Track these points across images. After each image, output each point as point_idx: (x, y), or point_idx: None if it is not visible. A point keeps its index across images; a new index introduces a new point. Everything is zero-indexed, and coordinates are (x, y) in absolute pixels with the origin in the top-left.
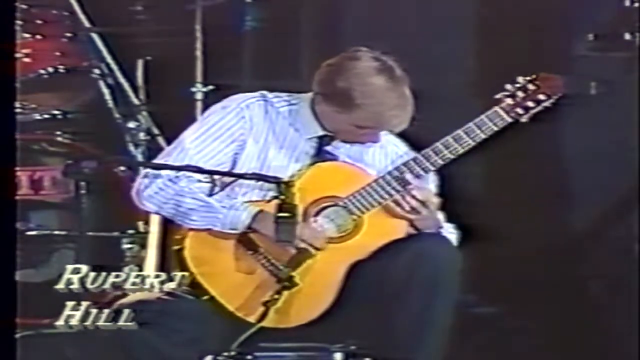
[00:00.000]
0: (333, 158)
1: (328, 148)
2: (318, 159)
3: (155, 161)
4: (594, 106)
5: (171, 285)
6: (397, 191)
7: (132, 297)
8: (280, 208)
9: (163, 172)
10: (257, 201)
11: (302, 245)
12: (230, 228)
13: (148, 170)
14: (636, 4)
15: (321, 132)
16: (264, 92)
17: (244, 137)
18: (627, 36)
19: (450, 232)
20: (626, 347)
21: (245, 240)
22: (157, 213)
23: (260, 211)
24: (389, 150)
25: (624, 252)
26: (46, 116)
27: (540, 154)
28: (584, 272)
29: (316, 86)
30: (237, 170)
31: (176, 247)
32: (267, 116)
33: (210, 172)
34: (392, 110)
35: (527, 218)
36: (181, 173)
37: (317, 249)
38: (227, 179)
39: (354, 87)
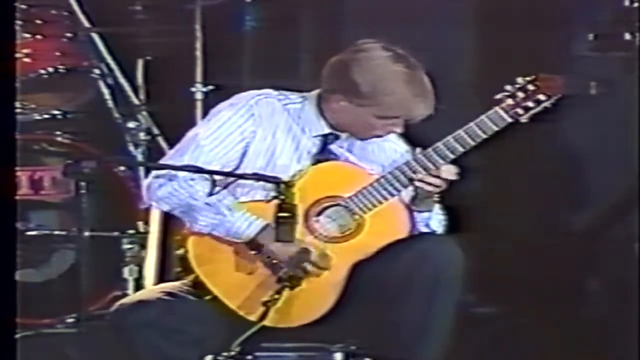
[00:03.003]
0: (335, 157)
1: (332, 147)
2: (321, 157)
3: (167, 158)
4: (594, 106)
5: (172, 285)
6: (399, 191)
7: (132, 297)
8: (280, 208)
9: (180, 173)
10: (257, 201)
11: (309, 267)
12: (233, 237)
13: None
14: (636, 4)
15: (327, 130)
16: (269, 90)
17: (253, 134)
18: (627, 36)
19: (438, 213)
20: (626, 347)
21: (246, 240)
22: (167, 212)
23: (266, 226)
24: (389, 150)
25: (624, 252)
26: (46, 116)
27: (541, 154)
28: (584, 272)
29: (329, 83)
30: (243, 167)
31: (179, 248)
32: (275, 113)
33: (212, 172)
34: (417, 97)
35: (527, 218)
36: (197, 175)
37: (323, 268)
38: (229, 178)
39: (377, 78)
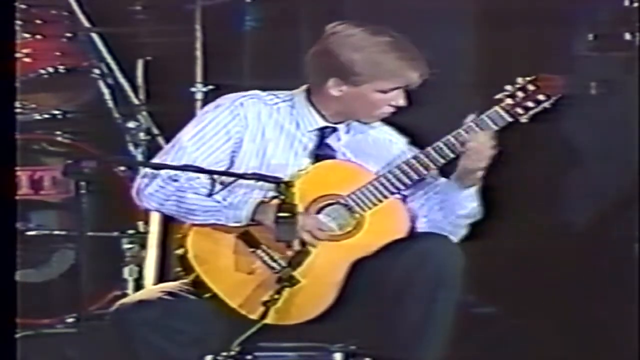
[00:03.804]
0: (333, 153)
1: (329, 141)
2: (318, 152)
3: (154, 160)
4: (594, 106)
5: (173, 285)
6: (398, 189)
7: (132, 297)
8: (280, 208)
9: (162, 170)
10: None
11: (305, 236)
12: (234, 222)
13: (148, 169)
14: (636, 4)
15: (322, 124)
16: (257, 90)
17: (240, 134)
18: (627, 36)
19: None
20: (626, 347)
21: (247, 238)
22: (158, 211)
23: (262, 203)
24: (390, 146)
25: (624, 252)
26: (46, 116)
27: (540, 154)
28: (584, 272)
29: (318, 75)
30: (236, 169)
31: (178, 247)
32: (261, 114)
33: (212, 172)
34: (409, 62)
35: (527, 218)
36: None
37: (319, 239)
38: (227, 179)
39: (365, 53)
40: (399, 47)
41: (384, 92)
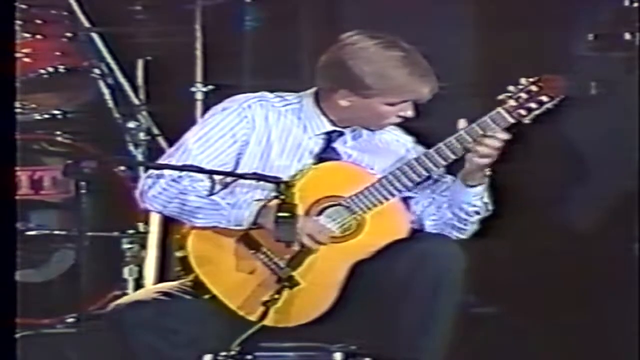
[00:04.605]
0: (338, 157)
1: (335, 145)
2: (324, 156)
3: (158, 162)
4: (594, 106)
5: (169, 285)
6: (400, 191)
7: (128, 297)
8: (280, 208)
9: (166, 172)
10: (257, 200)
11: (305, 239)
12: (236, 224)
13: (151, 170)
14: (636, 4)
15: (329, 128)
16: (265, 92)
17: (246, 137)
18: (627, 36)
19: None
20: (626, 347)
21: (247, 240)
22: (161, 213)
23: (264, 206)
24: (397, 147)
25: (624, 252)
26: (46, 116)
27: (540, 154)
28: (584, 272)
29: (328, 82)
30: (240, 170)
31: (179, 248)
32: (269, 116)
33: (211, 172)
34: (420, 78)
35: (527, 218)
36: (184, 173)
37: (320, 243)
38: (228, 179)
39: (377, 66)
40: (411, 62)
41: (393, 104)
